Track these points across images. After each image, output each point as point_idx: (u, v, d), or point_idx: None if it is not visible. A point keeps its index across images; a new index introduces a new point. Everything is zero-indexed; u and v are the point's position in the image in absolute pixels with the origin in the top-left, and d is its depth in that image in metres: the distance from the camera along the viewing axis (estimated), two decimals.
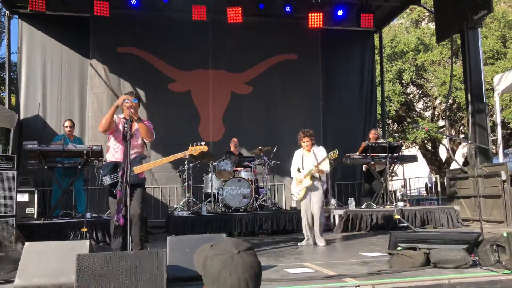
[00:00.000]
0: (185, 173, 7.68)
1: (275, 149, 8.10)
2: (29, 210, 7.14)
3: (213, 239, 3.48)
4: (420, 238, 4.17)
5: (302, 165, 5.75)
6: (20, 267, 3.39)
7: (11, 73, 10.13)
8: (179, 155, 4.36)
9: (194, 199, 7.82)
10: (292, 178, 5.96)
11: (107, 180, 4.15)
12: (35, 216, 7.09)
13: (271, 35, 10.24)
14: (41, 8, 8.11)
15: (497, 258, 3.62)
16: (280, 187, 9.84)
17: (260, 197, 7.75)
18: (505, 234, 3.62)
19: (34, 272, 3.34)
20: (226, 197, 7.19)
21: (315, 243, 5.60)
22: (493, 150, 10.76)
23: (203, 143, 4.46)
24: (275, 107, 10.22)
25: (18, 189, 5.74)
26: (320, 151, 5.80)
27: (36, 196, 7.28)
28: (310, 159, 5.71)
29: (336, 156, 5.76)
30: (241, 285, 1.20)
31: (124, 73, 9.54)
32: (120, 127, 4.26)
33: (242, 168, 7.86)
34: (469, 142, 6.88)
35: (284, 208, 8.73)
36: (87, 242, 3.61)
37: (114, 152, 4.28)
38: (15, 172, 5.52)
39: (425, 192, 14.66)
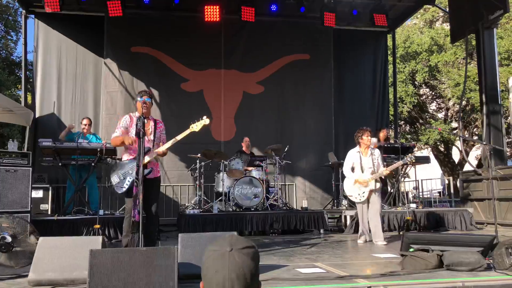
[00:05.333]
0: (196, 171, 7.72)
1: (286, 148, 8.09)
2: (43, 206, 7.25)
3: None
4: (433, 240, 4.12)
5: (361, 165, 5.67)
6: (34, 261, 3.44)
7: (27, 72, 10.29)
8: (179, 137, 4.32)
9: (205, 198, 7.85)
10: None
11: (114, 179, 4.19)
12: (49, 213, 7.20)
13: (283, 35, 10.24)
14: (56, 8, 8.20)
15: None
16: (291, 186, 9.82)
17: (271, 196, 7.75)
18: None
19: (48, 267, 3.39)
20: (237, 196, 7.20)
21: (370, 241, 5.75)
22: (507, 152, 10.60)
23: (204, 117, 4.41)
24: (286, 107, 10.20)
25: (32, 185, 5.83)
26: (377, 152, 5.79)
27: (50, 192, 7.40)
28: (368, 160, 5.67)
29: (413, 161, 5.92)
30: (226, 285, 1.14)
31: (137, 72, 9.62)
32: (134, 125, 4.28)
33: (253, 168, 7.86)
34: (484, 143, 6.79)
35: (295, 208, 8.71)
36: (99, 238, 3.65)
37: (129, 150, 4.31)
38: (30, 168, 5.61)
39: (438, 195, 14.49)
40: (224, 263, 1.17)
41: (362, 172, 5.67)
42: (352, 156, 5.78)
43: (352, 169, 5.75)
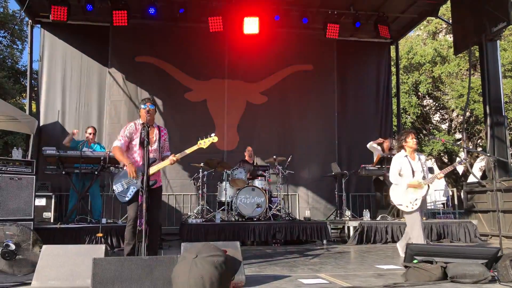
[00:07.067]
0: (199, 181, 7.72)
1: (289, 158, 8.10)
2: (46, 214, 7.27)
3: (227, 247, 3.47)
4: (437, 251, 4.08)
5: (412, 170, 5.19)
6: (37, 269, 3.44)
7: (32, 81, 10.37)
8: (187, 151, 4.33)
9: (208, 207, 7.84)
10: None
11: (118, 188, 4.20)
12: (52, 221, 7.21)
13: (287, 46, 10.31)
14: (63, 18, 8.31)
15: None
16: (294, 197, 9.81)
17: (274, 206, 7.73)
18: None
19: (51, 275, 3.40)
20: (240, 205, 7.19)
21: None
22: None
23: (213, 134, 4.38)
24: (289, 117, 10.23)
25: (36, 193, 5.83)
26: (423, 157, 5.41)
27: (53, 201, 7.41)
28: (417, 164, 5.23)
29: (472, 162, 5.59)
30: None
31: (141, 81, 9.69)
32: (138, 133, 4.30)
33: (256, 177, 7.86)
34: (488, 154, 6.77)
35: (298, 218, 8.68)
36: (103, 246, 3.65)
37: (132, 159, 4.32)
38: (34, 177, 5.62)
39: (442, 206, 14.44)
40: (186, 269, 1.19)
41: (413, 177, 5.19)
42: (400, 161, 5.25)
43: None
